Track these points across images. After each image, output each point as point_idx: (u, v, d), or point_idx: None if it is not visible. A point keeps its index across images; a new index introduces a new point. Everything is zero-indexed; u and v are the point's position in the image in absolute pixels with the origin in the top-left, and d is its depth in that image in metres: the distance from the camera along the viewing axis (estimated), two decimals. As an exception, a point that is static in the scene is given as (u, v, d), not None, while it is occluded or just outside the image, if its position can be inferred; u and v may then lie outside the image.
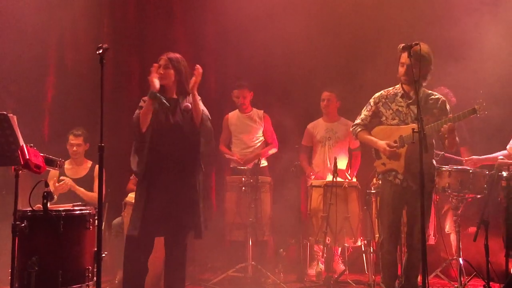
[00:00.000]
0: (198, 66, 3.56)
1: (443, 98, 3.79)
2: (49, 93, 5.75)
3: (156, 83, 3.51)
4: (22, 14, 5.63)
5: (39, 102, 5.69)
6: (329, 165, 5.20)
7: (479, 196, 4.29)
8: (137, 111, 3.61)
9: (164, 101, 3.47)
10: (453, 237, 4.87)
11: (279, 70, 5.91)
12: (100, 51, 2.99)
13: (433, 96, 3.79)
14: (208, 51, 6.08)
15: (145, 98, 3.57)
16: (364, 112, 3.96)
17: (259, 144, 5.41)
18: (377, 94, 3.94)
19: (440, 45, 4.72)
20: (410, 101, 3.76)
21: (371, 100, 3.94)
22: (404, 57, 3.64)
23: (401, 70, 3.73)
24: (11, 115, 2.75)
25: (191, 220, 3.55)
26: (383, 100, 3.87)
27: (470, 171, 4.27)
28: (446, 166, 4.35)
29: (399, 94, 3.82)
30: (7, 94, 5.40)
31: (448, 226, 4.85)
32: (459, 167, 4.38)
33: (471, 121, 3.88)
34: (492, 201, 3.77)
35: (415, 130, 3.21)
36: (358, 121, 3.99)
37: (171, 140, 3.57)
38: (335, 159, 4.65)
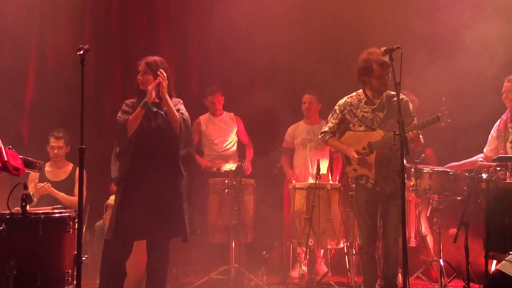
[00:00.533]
0: (160, 70, 3.57)
1: (406, 99, 3.83)
2: (28, 94, 5.68)
3: (152, 93, 3.52)
4: (2, 14, 5.55)
5: (18, 103, 5.60)
6: (310, 167, 5.22)
7: (459, 198, 4.35)
8: (121, 115, 3.58)
9: (155, 110, 3.50)
10: (429, 239, 4.92)
11: (262, 73, 5.92)
12: (81, 52, 2.97)
13: (395, 98, 3.76)
14: (191, 53, 6.06)
15: (128, 102, 3.57)
16: (331, 120, 4.01)
17: (233, 147, 5.43)
18: (341, 101, 3.97)
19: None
20: (375, 106, 3.80)
21: (336, 108, 3.98)
22: (383, 70, 3.68)
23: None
24: (-11, 117, 2.70)
25: (174, 223, 3.52)
26: (348, 108, 3.90)
27: (451, 173, 4.33)
28: (427, 168, 4.40)
29: (363, 101, 3.85)
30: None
31: (424, 228, 4.90)
32: (440, 169, 4.43)
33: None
34: (472, 202, 3.82)
35: (396, 133, 3.24)
36: (326, 128, 4.04)
37: (153, 144, 3.55)
38: (318, 161, 4.66)
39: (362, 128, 3.83)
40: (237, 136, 5.52)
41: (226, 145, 5.42)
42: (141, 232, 3.50)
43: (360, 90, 3.90)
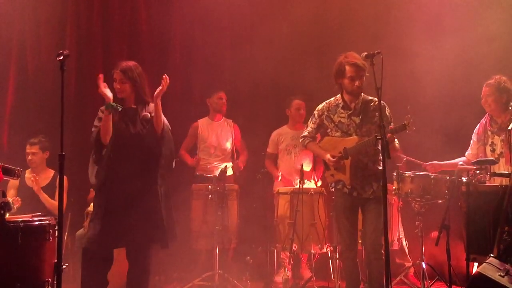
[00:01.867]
0: (165, 76, 3.53)
1: (383, 103, 3.79)
2: (8, 100, 5.58)
3: (108, 92, 3.48)
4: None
5: (-3, 110, 5.52)
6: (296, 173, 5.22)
7: (440, 201, 4.40)
8: (96, 122, 3.56)
9: (119, 107, 3.46)
10: (404, 242, 4.96)
11: (246, 77, 5.92)
12: (61, 58, 2.94)
13: (372, 103, 3.84)
14: (174, 57, 6.04)
15: (103, 108, 3.52)
16: (310, 125, 4.06)
17: (229, 153, 5.41)
18: (320, 106, 4.00)
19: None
20: (351, 111, 3.83)
21: (315, 112, 4.02)
22: (354, 71, 3.71)
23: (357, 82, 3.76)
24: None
25: (154, 230, 3.49)
26: (326, 113, 3.94)
27: (432, 176, 4.37)
28: (409, 172, 4.44)
29: (340, 105, 3.88)
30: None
31: (400, 231, 4.94)
32: (421, 173, 4.47)
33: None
34: (453, 206, 3.86)
35: (378, 137, 3.26)
36: (305, 133, 4.09)
37: (132, 150, 3.52)
38: (301, 165, 4.68)
39: (338, 134, 3.88)
40: (233, 143, 5.49)
41: (222, 150, 5.39)
42: (120, 239, 3.46)
43: (339, 95, 3.93)
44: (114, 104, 3.46)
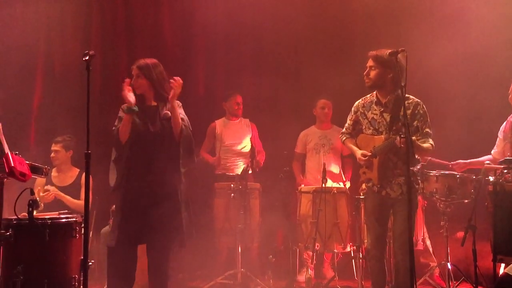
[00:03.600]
0: (176, 78, 3.52)
1: (417, 101, 3.72)
2: (35, 99, 5.71)
3: (130, 97, 3.49)
4: (9, 19, 5.60)
5: (25, 109, 5.64)
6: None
7: (466, 201, 4.32)
8: (116, 122, 3.59)
9: (136, 110, 3.48)
10: (428, 242, 4.89)
11: (267, 77, 5.93)
12: (87, 58, 2.98)
13: (407, 101, 3.71)
14: (198, 54, 6.08)
15: (124, 106, 3.54)
16: (348, 121, 4.04)
17: (247, 151, 5.40)
18: (356, 102, 3.97)
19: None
20: (383, 108, 3.77)
21: (353, 108, 3.99)
22: (369, 62, 3.70)
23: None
24: (-4, 122, 2.72)
25: (173, 228, 3.51)
26: (361, 110, 3.89)
27: (457, 176, 4.29)
28: (434, 171, 4.37)
29: (374, 101, 3.82)
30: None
31: (423, 231, 4.87)
32: (446, 172, 4.40)
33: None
34: (479, 206, 3.79)
35: (402, 136, 3.22)
36: (343, 129, 4.07)
37: (151, 149, 3.53)
38: (324, 165, 4.66)
39: (370, 131, 3.82)
40: (251, 142, 5.51)
41: (240, 150, 5.41)
42: (143, 236, 3.49)
43: (375, 91, 3.86)
44: (135, 108, 3.48)
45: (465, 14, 5.23)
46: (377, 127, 3.78)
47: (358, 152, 3.82)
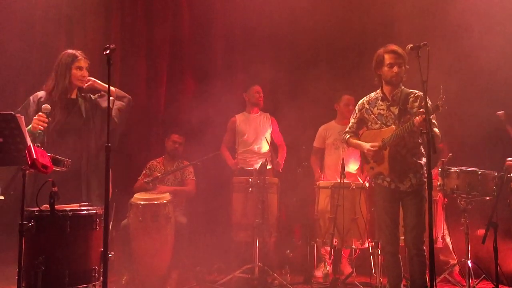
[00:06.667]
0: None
1: (421, 94, 3.66)
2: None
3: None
4: (30, 15, 5.67)
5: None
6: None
7: (488, 198, 4.25)
8: None
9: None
10: (448, 239, 4.83)
11: (286, 72, 5.90)
12: (107, 52, 3.00)
13: (412, 95, 3.77)
14: (216, 50, 6.08)
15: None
16: (352, 120, 4.06)
17: (266, 146, 5.40)
18: (360, 101, 4.00)
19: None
20: (389, 103, 3.79)
21: (356, 107, 4.03)
22: (393, 57, 3.68)
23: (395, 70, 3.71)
24: (19, 115, 2.75)
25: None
26: (366, 106, 3.92)
27: (479, 172, 4.22)
28: (455, 168, 4.31)
29: (380, 98, 3.85)
30: (16, 94, 5.43)
31: (443, 228, 4.81)
32: (468, 168, 4.33)
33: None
34: (501, 203, 3.73)
35: (423, 131, 3.19)
36: (347, 129, 4.08)
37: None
38: (343, 160, 4.64)
39: (377, 126, 3.84)
40: (271, 136, 5.50)
41: (260, 144, 5.41)
42: None
43: (379, 89, 3.90)
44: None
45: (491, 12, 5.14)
46: (384, 121, 3.80)
47: (366, 145, 3.82)
